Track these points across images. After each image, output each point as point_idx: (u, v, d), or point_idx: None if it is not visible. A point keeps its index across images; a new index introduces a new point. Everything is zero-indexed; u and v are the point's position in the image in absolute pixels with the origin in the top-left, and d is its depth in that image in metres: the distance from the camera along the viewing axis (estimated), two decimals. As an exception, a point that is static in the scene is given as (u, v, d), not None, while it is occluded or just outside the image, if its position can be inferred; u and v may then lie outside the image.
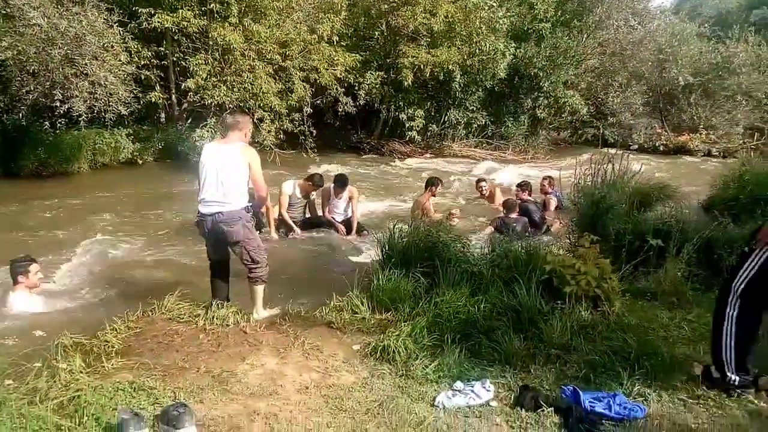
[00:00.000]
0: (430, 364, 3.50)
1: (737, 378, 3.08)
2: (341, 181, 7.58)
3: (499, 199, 8.81)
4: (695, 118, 19.82)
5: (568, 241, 5.36)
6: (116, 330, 3.79)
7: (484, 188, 9.21)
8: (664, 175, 9.16)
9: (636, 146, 18.32)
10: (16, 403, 2.72)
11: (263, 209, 6.57)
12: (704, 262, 4.73)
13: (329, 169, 11.90)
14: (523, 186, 8.49)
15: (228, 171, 4.13)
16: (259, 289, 4.32)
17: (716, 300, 3.23)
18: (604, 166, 5.40)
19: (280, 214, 7.29)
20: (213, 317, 4.08)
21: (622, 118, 19.95)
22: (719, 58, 20.15)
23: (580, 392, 3.06)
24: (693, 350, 3.61)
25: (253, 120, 12.58)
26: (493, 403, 3.14)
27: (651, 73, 20.42)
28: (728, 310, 3.07)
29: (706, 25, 22.75)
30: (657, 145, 18.77)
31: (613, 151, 5.73)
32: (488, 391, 3.20)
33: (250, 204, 4.32)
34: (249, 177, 4.23)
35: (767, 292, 3.00)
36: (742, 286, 3.03)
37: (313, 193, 7.68)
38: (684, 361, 3.46)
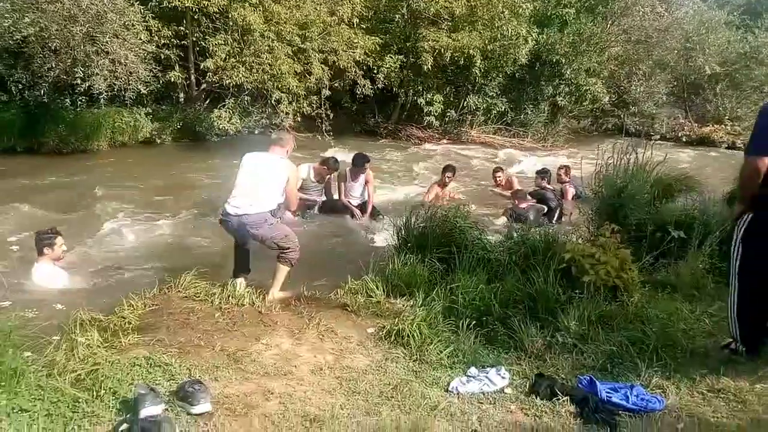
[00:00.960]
0: (444, 350, 3.48)
1: (743, 347, 3.30)
2: (361, 161, 7.55)
3: (516, 188, 8.73)
4: (720, 108, 19.40)
5: (587, 230, 5.28)
6: (133, 307, 3.82)
7: (499, 178, 9.11)
8: (687, 167, 9.00)
9: (658, 136, 17.97)
10: (35, 375, 2.75)
11: None
12: (727, 255, 4.62)
13: (345, 153, 11.86)
14: (543, 173, 8.42)
15: (265, 178, 4.31)
16: (284, 270, 4.37)
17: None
18: (627, 155, 5.30)
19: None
20: (229, 296, 4.10)
21: (644, 107, 19.57)
22: (747, 47, 19.64)
23: (597, 382, 3.03)
24: (714, 343, 3.55)
25: (270, 101, 12.70)
26: (508, 390, 3.11)
27: (676, 61, 19.96)
28: (730, 288, 3.31)
29: (735, 13, 22.13)
30: (680, 135, 18.43)
31: (636, 140, 5.61)
32: (503, 378, 3.17)
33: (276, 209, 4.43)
34: (284, 189, 4.40)
35: (759, 265, 3.16)
36: (738, 263, 3.25)
37: (328, 176, 7.65)
38: (704, 353, 3.40)
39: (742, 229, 3.22)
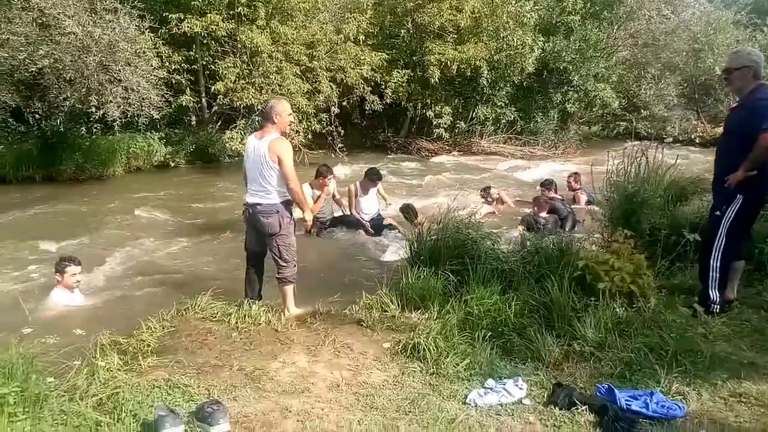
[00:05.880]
0: (461, 362, 3.47)
1: (717, 296, 3.94)
2: (374, 176, 7.58)
3: (509, 202, 8.69)
4: (733, 108, 19.18)
5: (601, 236, 5.25)
6: (151, 329, 3.86)
7: (490, 196, 8.83)
8: (701, 168, 8.89)
9: (670, 139, 17.75)
10: (57, 400, 2.80)
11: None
12: (744, 257, 4.57)
13: (357, 167, 11.93)
14: (547, 184, 8.36)
15: (263, 166, 4.21)
16: (289, 289, 4.38)
17: (702, 240, 4.22)
18: (638, 159, 5.27)
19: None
20: (245, 316, 4.14)
21: (655, 110, 19.49)
22: (756, 46, 19.46)
23: (616, 390, 2.99)
24: (734, 347, 3.50)
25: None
26: (526, 401, 3.09)
27: (686, 63, 19.88)
28: (716, 243, 3.92)
29: (742, 12, 21.99)
30: (693, 137, 18.28)
31: (647, 143, 5.59)
32: (521, 389, 3.15)
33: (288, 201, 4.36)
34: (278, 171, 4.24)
35: (744, 229, 4.01)
36: (727, 225, 3.87)
37: (333, 187, 7.60)
38: (725, 358, 3.35)
39: (739, 203, 3.83)
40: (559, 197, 8.19)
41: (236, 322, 4.07)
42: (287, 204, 4.35)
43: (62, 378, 3.03)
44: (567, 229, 7.24)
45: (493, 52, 14.95)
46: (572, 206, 8.26)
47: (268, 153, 4.18)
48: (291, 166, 4.25)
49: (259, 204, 4.28)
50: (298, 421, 2.85)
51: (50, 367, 3.07)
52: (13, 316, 4.40)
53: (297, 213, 4.69)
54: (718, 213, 3.96)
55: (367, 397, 3.12)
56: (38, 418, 2.64)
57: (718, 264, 3.94)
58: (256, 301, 4.39)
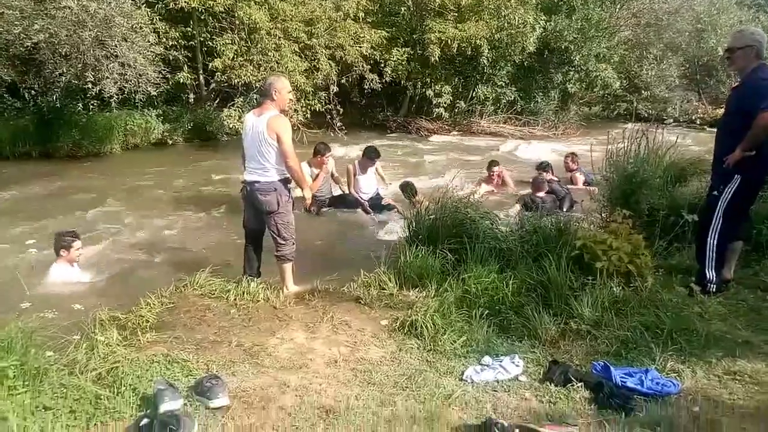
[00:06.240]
0: (458, 339, 3.49)
1: (714, 275, 3.97)
2: (372, 154, 7.56)
3: (510, 182, 8.66)
4: (734, 90, 19.07)
5: (599, 216, 5.25)
6: (150, 305, 3.88)
7: (493, 172, 8.66)
8: (701, 149, 8.86)
9: (671, 120, 17.66)
10: (57, 374, 2.82)
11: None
12: (741, 237, 4.58)
13: (357, 148, 11.88)
14: (544, 166, 8.33)
15: (262, 144, 4.18)
16: (287, 267, 4.38)
17: (700, 220, 4.18)
18: (638, 139, 5.25)
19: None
20: (243, 293, 4.15)
21: (656, 91, 19.35)
22: (760, 27, 19.26)
23: (611, 367, 3.02)
24: (729, 326, 3.52)
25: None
26: (522, 378, 3.12)
27: (688, 43, 19.68)
28: (713, 224, 3.94)
29: (746, -8, 21.79)
30: (694, 118, 18.17)
31: (647, 124, 5.56)
32: (517, 366, 3.18)
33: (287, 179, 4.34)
34: (277, 149, 4.22)
35: (742, 209, 4.03)
36: (725, 205, 3.89)
37: (332, 165, 7.58)
38: (720, 337, 3.38)
39: (737, 183, 3.85)
40: (556, 179, 8.18)
41: (235, 299, 4.09)
42: (285, 182, 4.33)
43: (62, 352, 3.05)
44: (565, 210, 7.24)
45: (494, 31, 14.76)
46: (569, 186, 8.26)
47: (266, 130, 4.15)
48: (290, 143, 4.22)
49: (257, 182, 4.26)
50: (296, 395, 2.88)
51: (49, 341, 3.09)
52: (12, 292, 4.42)
53: (296, 192, 4.68)
54: (715, 193, 3.97)
55: (365, 373, 3.14)
56: (38, 391, 2.66)
57: (715, 243, 3.96)
58: (255, 279, 4.40)
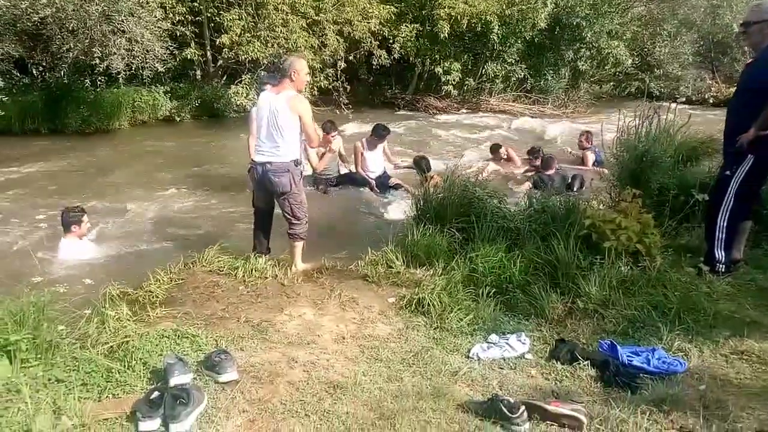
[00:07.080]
0: (465, 317, 3.51)
1: (723, 255, 3.95)
2: (380, 131, 7.51)
3: (517, 161, 8.60)
4: (749, 68, 18.69)
5: (608, 195, 5.21)
6: (159, 281, 3.92)
7: (500, 155, 8.75)
8: (713, 129, 8.74)
9: (683, 99, 17.45)
10: (69, 347, 2.87)
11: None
12: (752, 218, 4.53)
13: (364, 125, 11.81)
14: (534, 152, 8.26)
15: (279, 123, 4.16)
16: (298, 245, 4.40)
17: (711, 199, 4.16)
18: (649, 118, 5.18)
19: (314, 172, 7.29)
20: (252, 269, 4.18)
21: (669, 69, 18.96)
22: (778, 2, 18.80)
23: (618, 346, 3.03)
24: (737, 306, 3.51)
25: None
26: (529, 356, 3.14)
27: (703, 20, 19.21)
28: (724, 203, 3.92)
29: (765, -34, 21.15)
30: (706, 97, 17.89)
31: (658, 103, 5.48)
32: (523, 344, 3.20)
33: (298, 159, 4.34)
34: (300, 128, 4.23)
35: (754, 190, 4.00)
36: (737, 186, 3.85)
37: (339, 144, 7.54)
38: (728, 316, 3.37)
39: (750, 163, 3.80)
40: (556, 167, 8.10)
41: (243, 276, 4.12)
42: (296, 162, 4.33)
43: (73, 326, 3.09)
44: (575, 189, 7.21)
45: (504, 6, 14.50)
46: (579, 166, 8.19)
47: (289, 110, 4.14)
48: (312, 124, 4.27)
49: (270, 163, 4.23)
50: (304, 371, 2.91)
51: (61, 315, 3.12)
52: (24, 266, 4.47)
53: (307, 170, 4.69)
54: (728, 173, 3.92)
55: (372, 350, 3.17)
56: (50, 364, 2.71)
57: (725, 224, 3.94)
58: (264, 256, 4.42)
